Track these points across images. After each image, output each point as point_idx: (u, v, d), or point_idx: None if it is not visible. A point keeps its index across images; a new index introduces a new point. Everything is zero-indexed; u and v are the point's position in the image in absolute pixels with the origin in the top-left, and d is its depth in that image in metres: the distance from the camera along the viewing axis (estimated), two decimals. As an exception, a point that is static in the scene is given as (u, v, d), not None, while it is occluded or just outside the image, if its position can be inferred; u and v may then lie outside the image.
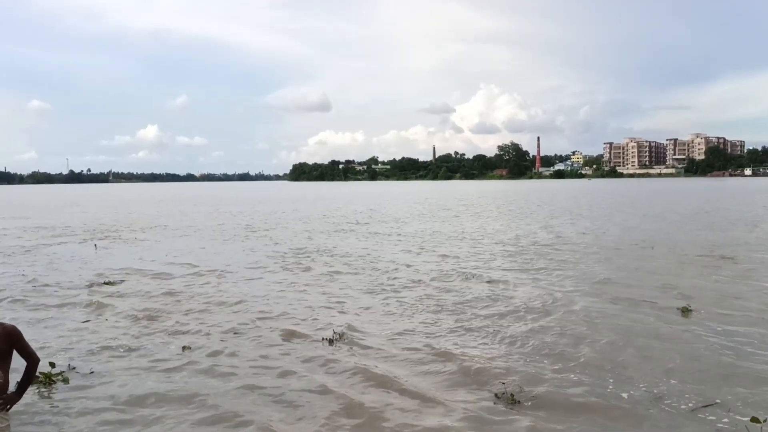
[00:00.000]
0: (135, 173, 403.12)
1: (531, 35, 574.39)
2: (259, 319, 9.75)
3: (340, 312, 10.28)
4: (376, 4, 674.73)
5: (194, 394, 6.42)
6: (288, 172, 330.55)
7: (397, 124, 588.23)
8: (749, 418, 5.24)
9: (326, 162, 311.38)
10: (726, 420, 5.58)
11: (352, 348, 8.11)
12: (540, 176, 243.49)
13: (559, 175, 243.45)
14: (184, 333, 8.95)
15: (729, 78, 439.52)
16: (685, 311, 9.61)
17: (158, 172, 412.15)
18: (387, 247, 19.85)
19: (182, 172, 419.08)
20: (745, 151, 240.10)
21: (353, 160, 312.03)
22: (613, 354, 7.58)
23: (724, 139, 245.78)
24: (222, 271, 14.73)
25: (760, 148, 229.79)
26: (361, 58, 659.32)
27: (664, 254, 16.65)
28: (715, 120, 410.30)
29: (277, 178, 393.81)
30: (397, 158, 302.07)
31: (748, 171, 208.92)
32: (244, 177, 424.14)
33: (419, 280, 13.13)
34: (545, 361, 7.38)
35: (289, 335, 8.79)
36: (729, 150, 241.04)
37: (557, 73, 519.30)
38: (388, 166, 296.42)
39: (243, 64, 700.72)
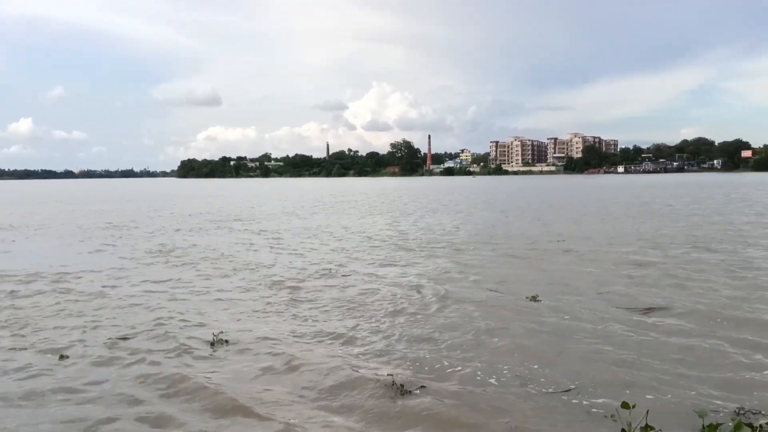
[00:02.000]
0: (6, 170, 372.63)
1: (422, 36, 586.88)
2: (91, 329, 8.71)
3: (206, 314, 9.67)
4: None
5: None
6: (176, 168, 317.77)
7: (290, 121, 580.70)
8: (620, 404, 5.19)
9: (217, 158, 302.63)
10: (586, 403, 5.75)
11: (230, 350, 7.65)
12: (431, 173, 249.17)
13: (449, 172, 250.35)
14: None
15: (604, 81, 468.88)
16: (534, 299, 9.99)
17: (33, 169, 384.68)
18: (260, 243, 19.16)
19: (59, 169, 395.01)
20: (618, 149, 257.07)
21: (245, 157, 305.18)
22: (478, 341, 7.82)
23: (599, 138, 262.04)
24: (61, 274, 13.26)
25: (631, 147, 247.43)
26: (253, 53, 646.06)
27: (514, 246, 17.24)
28: (591, 120, 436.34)
29: (164, 175, 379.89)
30: (291, 155, 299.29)
31: (620, 168, 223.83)
32: (128, 174, 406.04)
33: (292, 278, 12.69)
34: (422, 351, 7.43)
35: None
36: (604, 149, 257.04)
37: (447, 74, 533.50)
38: (282, 163, 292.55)
39: (127, 56, 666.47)
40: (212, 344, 7.86)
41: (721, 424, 4.92)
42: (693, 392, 5.90)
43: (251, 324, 8.88)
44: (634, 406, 5.12)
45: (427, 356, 7.21)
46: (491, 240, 19.08)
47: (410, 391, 5.98)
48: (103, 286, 11.85)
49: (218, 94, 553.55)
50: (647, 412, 5.16)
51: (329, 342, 7.90)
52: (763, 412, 5.31)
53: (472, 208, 36.83)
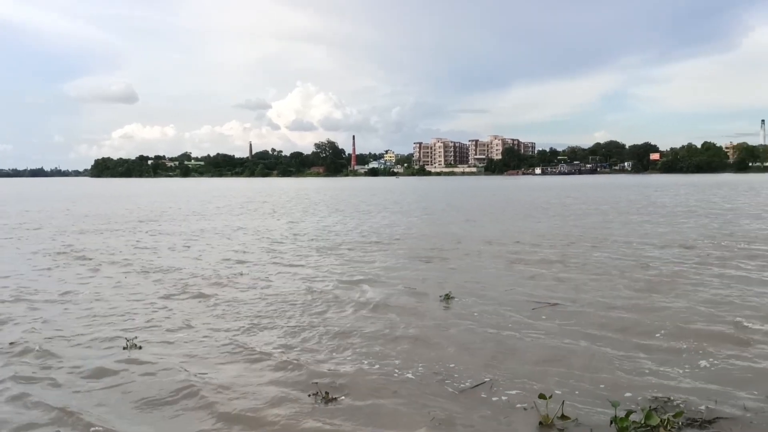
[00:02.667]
0: None
1: (347, 36, 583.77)
2: None
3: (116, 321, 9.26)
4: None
5: None
6: (89, 167, 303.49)
7: (211, 119, 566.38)
8: (537, 395, 5.38)
9: (133, 157, 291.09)
10: (503, 396, 5.80)
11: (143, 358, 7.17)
12: (356, 174, 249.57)
13: (374, 173, 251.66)
14: None
15: (522, 85, 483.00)
16: (447, 298, 10.05)
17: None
18: (160, 246, 18.44)
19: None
20: (536, 151, 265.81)
21: (164, 156, 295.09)
22: (393, 340, 7.79)
23: (518, 140, 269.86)
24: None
25: (548, 149, 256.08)
26: (173, 50, 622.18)
27: (423, 246, 17.37)
28: (511, 123, 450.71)
29: (77, 174, 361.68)
30: (212, 154, 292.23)
31: (538, 170, 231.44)
32: (38, 173, 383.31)
33: (204, 281, 12.27)
34: (339, 354, 7.30)
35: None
36: (522, 151, 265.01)
37: (371, 75, 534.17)
38: (202, 163, 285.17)
39: (35, 49, 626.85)
40: (125, 348, 7.48)
41: (632, 412, 5.09)
42: (605, 383, 6.06)
43: (146, 335, 8.24)
44: (550, 397, 5.25)
45: (346, 358, 7.10)
46: (399, 239, 19.21)
47: (335, 398, 5.83)
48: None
49: (135, 91, 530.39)
50: (563, 402, 5.28)
51: (238, 353, 7.41)
52: (671, 399, 5.52)
53: (384, 209, 36.90)
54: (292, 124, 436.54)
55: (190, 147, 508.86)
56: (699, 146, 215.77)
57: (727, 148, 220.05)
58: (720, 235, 18.82)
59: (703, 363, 6.60)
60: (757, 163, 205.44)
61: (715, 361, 6.64)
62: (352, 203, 44.50)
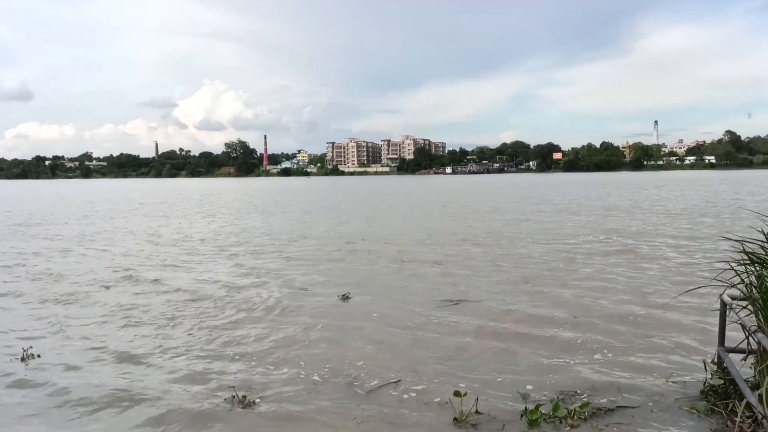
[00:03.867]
0: None
1: (258, 34, 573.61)
2: None
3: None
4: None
5: None
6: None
7: (114, 118, 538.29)
8: (453, 392, 5.42)
9: (29, 158, 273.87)
10: (413, 394, 5.83)
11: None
12: (268, 174, 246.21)
13: (286, 172, 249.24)
14: None
15: (433, 86, 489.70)
16: (345, 298, 10.09)
17: None
18: (45, 249, 17.80)
19: None
20: (446, 151, 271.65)
21: (63, 156, 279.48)
22: (296, 343, 7.68)
23: (429, 140, 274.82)
24: None
25: (458, 149, 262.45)
26: (73, 45, 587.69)
27: (319, 246, 17.48)
28: (422, 123, 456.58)
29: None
30: (115, 154, 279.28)
31: (449, 169, 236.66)
32: None
33: (101, 286, 11.70)
34: (245, 358, 7.12)
35: None
36: (433, 150, 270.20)
37: (283, 74, 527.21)
38: (105, 163, 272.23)
39: None
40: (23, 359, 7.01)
41: (541, 405, 5.27)
42: (513, 377, 6.22)
43: (41, 345, 7.78)
44: (465, 394, 5.34)
45: (252, 362, 6.95)
46: (300, 240, 19.14)
47: (253, 402, 5.70)
48: None
49: (29, 88, 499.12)
50: (477, 398, 5.40)
51: (144, 359, 7.14)
52: (578, 392, 5.76)
53: (287, 209, 36.64)
54: (200, 123, 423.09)
55: (91, 147, 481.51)
56: (598, 146, 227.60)
57: (623, 147, 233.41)
58: (601, 229, 20.04)
59: (598, 356, 6.91)
60: (651, 162, 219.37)
61: (609, 353, 6.97)
62: (256, 203, 43.83)
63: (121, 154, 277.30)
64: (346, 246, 17.20)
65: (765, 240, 4.43)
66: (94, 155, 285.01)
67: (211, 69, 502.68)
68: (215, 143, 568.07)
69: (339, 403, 5.66)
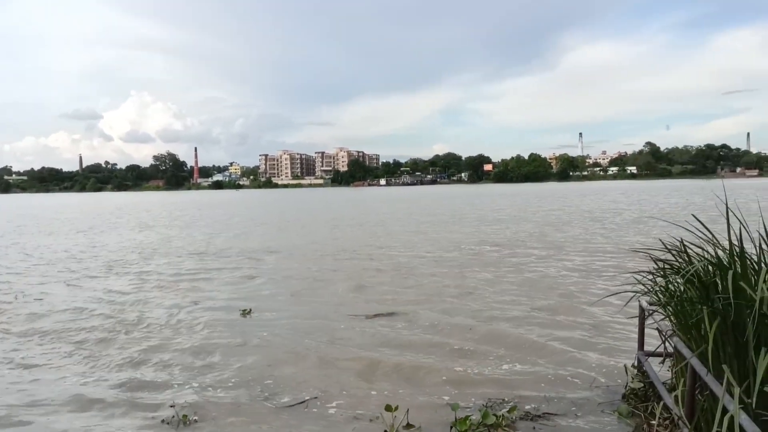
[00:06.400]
0: None
1: (187, 45, 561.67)
2: None
3: None
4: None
5: None
6: None
7: (35, 131, 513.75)
8: (384, 407, 5.40)
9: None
10: (332, 411, 5.73)
11: None
12: (199, 187, 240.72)
13: (218, 185, 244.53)
14: None
15: (367, 99, 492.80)
16: (246, 313, 9.99)
17: None
18: None
19: None
20: (380, 163, 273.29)
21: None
22: (201, 360, 7.48)
23: (363, 152, 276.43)
24: None
25: (392, 161, 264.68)
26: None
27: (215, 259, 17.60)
28: (356, 135, 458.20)
29: None
30: (36, 168, 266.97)
31: (383, 181, 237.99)
32: None
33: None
34: (143, 376, 6.89)
35: None
36: (367, 162, 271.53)
37: (213, 85, 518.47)
38: (25, 177, 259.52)
39: None
40: None
41: (470, 415, 5.32)
42: (439, 389, 6.24)
43: None
44: (396, 408, 5.32)
45: (154, 379, 6.77)
46: (216, 253, 18.91)
47: (195, 420, 5.53)
48: None
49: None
50: (408, 411, 5.39)
51: (60, 384, 6.86)
52: (505, 400, 5.84)
53: (207, 221, 36.22)
54: (127, 136, 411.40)
55: (10, 160, 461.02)
56: (527, 157, 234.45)
57: (551, 159, 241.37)
58: (521, 238, 20.54)
59: (519, 364, 7.05)
60: (577, 173, 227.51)
61: (535, 361, 7.13)
62: (174, 216, 42.88)
63: (43, 168, 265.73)
64: (247, 261, 16.94)
65: (678, 248, 4.63)
66: (14, 169, 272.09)
67: (139, 80, 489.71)
68: (143, 156, 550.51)
69: (264, 421, 5.54)
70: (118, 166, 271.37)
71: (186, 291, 12.32)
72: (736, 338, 3.94)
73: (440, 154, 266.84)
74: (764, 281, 3.67)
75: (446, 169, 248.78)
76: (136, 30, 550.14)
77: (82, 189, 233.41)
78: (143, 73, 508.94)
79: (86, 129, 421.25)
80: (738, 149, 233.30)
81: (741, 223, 4.08)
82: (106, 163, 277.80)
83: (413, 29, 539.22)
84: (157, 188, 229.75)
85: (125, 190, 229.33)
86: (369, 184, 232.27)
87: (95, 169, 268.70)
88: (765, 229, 4.00)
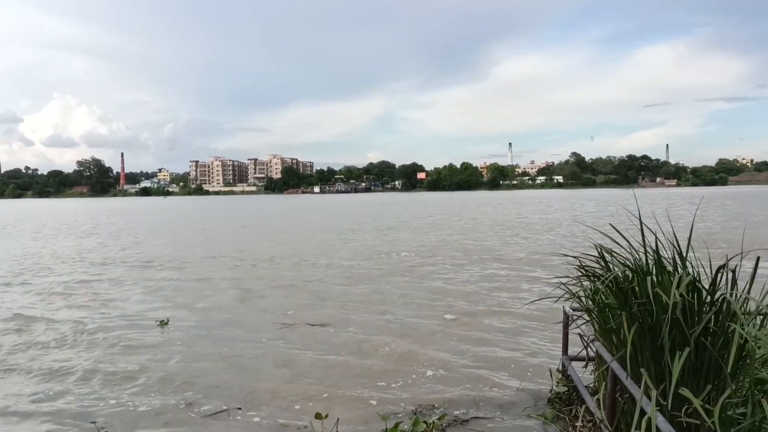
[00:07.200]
0: None
1: (111, 46, 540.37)
2: None
3: None
4: None
5: None
6: None
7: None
8: (314, 415, 5.32)
9: None
10: (257, 420, 5.68)
11: None
12: (125, 194, 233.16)
13: (146, 192, 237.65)
14: None
15: (301, 106, 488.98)
16: (163, 324, 9.78)
17: None
18: None
19: None
20: (314, 171, 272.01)
21: None
22: (118, 371, 7.25)
23: (297, 160, 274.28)
24: None
25: (326, 169, 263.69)
26: None
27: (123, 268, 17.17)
28: (289, 142, 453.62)
29: None
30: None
31: (317, 189, 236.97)
32: None
33: None
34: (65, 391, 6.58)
35: None
36: (301, 170, 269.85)
37: (140, 89, 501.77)
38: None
39: None
40: None
41: (400, 422, 5.32)
42: (368, 394, 6.25)
43: None
44: (326, 416, 5.26)
45: (72, 390, 6.59)
46: (126, 263, 18.35)
47: None
48: None
49: None
50: (338, 420, 5.35)
51: None
52: (436, 406, 5.88)
53: (119, 230, 35.07)
54: (49, 140, 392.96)
55: None
56: (459, 166, 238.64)
57: (482, 168, 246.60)
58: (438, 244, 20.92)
59: (450, 372, 7.13)
60: (507, 181, 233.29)
61: (462, 367, 7.22)
62: (92, 225, 41.36)
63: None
64: (154, 268, 16.60)
65: (599, 255, 4.78)
66: None
67: (61, 82, 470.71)
68: (66, 161, 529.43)
69: (183, 429, 5.44)
70: (39, 172, 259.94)
71: (98, 302, 11.84)
72: (653, 342, 4.10)
73: (374, 162, 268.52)
74: (677, 287, 3.83)
75: (380, 177, 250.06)
76: (56, 30, 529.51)
77: (0, 195, 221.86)
78: (66, 75, 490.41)
79: (5, 133, 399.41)
80: (657, 160, 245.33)
81: (655, 231, 4.26)
82: (27, 168, 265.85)
83: (346, 36, 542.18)
84: (81, 195, 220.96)
85: (47, 196, 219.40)
86: (303, 192, 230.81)
87: (15, 174, 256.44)
88: (675, 236, 4.21)
